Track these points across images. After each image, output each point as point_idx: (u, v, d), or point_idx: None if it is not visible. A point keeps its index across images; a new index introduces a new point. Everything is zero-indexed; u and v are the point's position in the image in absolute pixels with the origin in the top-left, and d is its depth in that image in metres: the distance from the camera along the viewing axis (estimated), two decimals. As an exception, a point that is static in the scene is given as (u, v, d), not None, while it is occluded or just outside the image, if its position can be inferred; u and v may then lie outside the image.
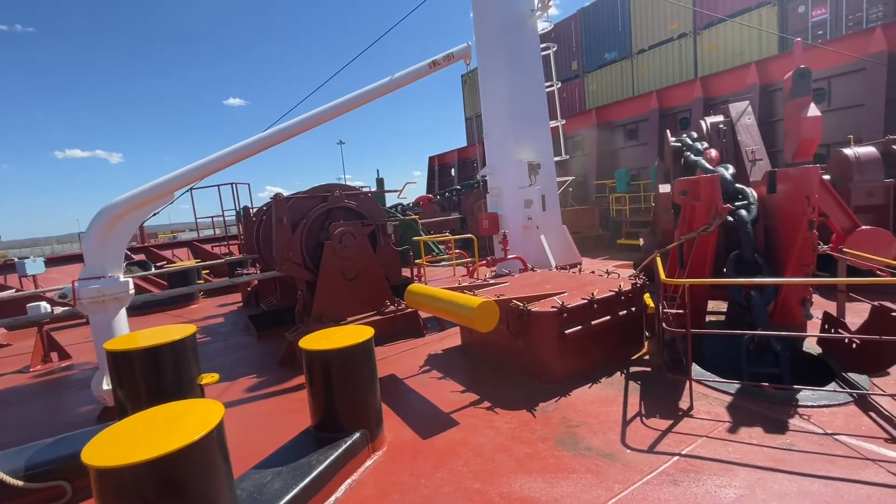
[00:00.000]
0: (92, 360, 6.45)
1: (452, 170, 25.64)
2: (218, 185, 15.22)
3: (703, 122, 7.53)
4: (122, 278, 4.40)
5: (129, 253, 12.84)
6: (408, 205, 18.43)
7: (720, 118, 7.44)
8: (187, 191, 13.79)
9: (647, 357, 4.80)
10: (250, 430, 4.01)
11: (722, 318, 5.33)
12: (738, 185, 4.96)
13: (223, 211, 15.08)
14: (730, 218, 4.61)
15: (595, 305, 4.43)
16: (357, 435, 3.19)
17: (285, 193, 6.16)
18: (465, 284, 5.45)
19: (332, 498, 2.87)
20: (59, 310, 4.99)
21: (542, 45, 9.93)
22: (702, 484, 2.71)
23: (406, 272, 7.69)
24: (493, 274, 7.63)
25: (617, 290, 4.62)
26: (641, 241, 9.22)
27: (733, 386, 3.82)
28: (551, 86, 10.48)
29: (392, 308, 6.28)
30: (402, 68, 6.65)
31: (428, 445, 3.44)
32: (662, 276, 4.08)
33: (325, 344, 3.21)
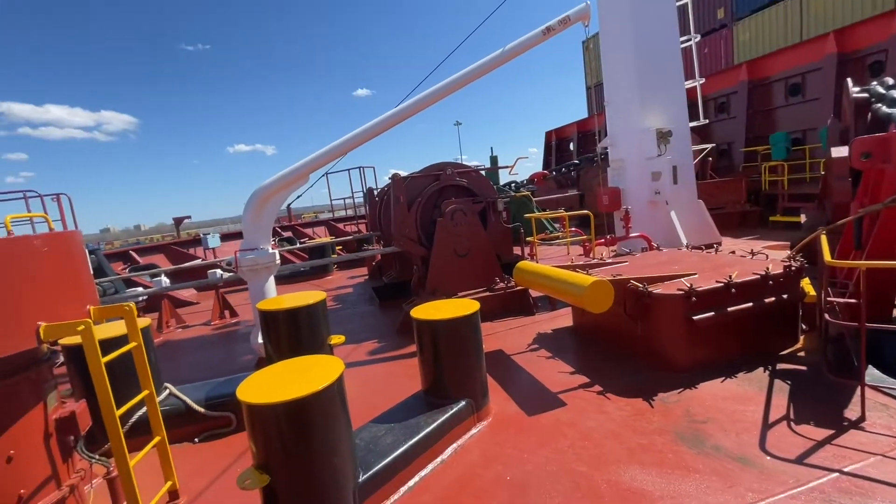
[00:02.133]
0: (252, 318, 7.76)
1: (571, 144, 24.26)
2: (348, 170, 16.77)
3: None
4: (270, 250, 5.16)
5: (279, 230, 14.97)
6: (522, 182, 18.06)
7: None
8: (323, 176, 15.44)
9: (801, 354, 4.04)
10: (369, 389, 4.43)
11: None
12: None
13: (353, 192, 16.60)
14: (937, 184, 3.57)
15: (733, 290, 3.84)
16: (463, 403, 3.31)
17: (404, 174, 6.51)
18: (580, 263, 5.18)
19: (438, 459, 3.04)
20: (227, 275, 6.07)
21: (679, -6, 8.69)
22: (870, 510, 2.22)
23: (517, 250, 7.61)
24: (613, 253, 7.11)
25: (763, 273, 3.94)
26: (804, 218, 7.67)
27: (929, 398, 3.01)
28: (688, 40, 9.16)
29: (502, 285, 6.29)
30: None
31: (533, 422, 3.41)
32: (827, 256, 3.35)
33: (434, 315, 3.36)
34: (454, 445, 3.18)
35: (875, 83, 5.61)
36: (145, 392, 2.76)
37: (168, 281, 8.04)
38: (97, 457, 2.77)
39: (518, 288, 6.20)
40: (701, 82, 9.56)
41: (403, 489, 2.78)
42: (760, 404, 3.27)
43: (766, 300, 3.92)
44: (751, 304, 3.86)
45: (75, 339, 2.64)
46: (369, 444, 2.86)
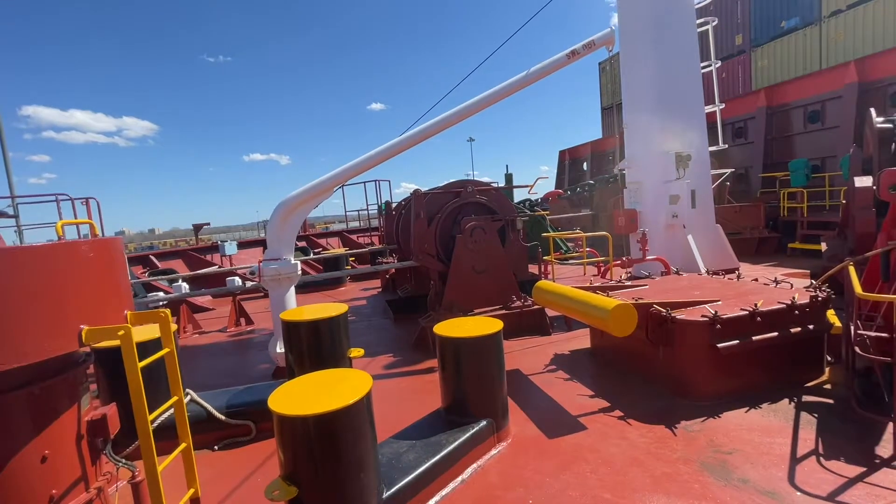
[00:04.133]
0: (268, 326, 7.81)
1: (584, 164, 24.35)
2: (364, 182, 16.97)
3: None
4: (293, 261, 5.23)
5: (294, 240, 15.14)
6: (536, 200, 18.10)
7: None
8: (339, 188, 15.68)
9: (827, 386, 3.97)
10: (386, 403, 4.43)
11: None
12: None
13: (367, 205, 16.76)
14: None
15: (758, 318, 3.81)
16: (484, 423, 3.30)
17: (422, 190, 6.59)
18: (598, 284, 5.17)
19: (459, 478, 3.02)
20: (248, 284, 6.15)
21: (700, 21, 8.79)
22: (908, 553, 2.16)
23: (533, 269, 7.61)
24: (629, 276, 7.08)
25: (790, 302, 3.90)
26: (824, 247, 7.57)
27: (964, 438, 2.93)
28: (708, 66, 9.23)
29: (518, 303, 6.28)
30: (540, 61, 6.52)
31: (553, 445, 3.38)
32: (858, 288, 3.31)
33: (458, 332, 3.37)
34: (474, 465, 3.16)
35: (900, 114, 5.60)
36: (175, 398, 2.80)
37: (187, 287, 8.16)
38: (124, 461, 2.81)
39: (535, 307, 6.18)
40: (721, 107, 9.60)
41: (425, 508, 2.76)
42: (787, 437, 3.21)
43: (792, 330, 3.88)
44: (776, 333, 3.82)
45: (105, 342, 2.71)
46: (392, 460, 2.86)
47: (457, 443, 3.05)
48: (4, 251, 2.21)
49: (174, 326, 3.81)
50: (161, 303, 7.92)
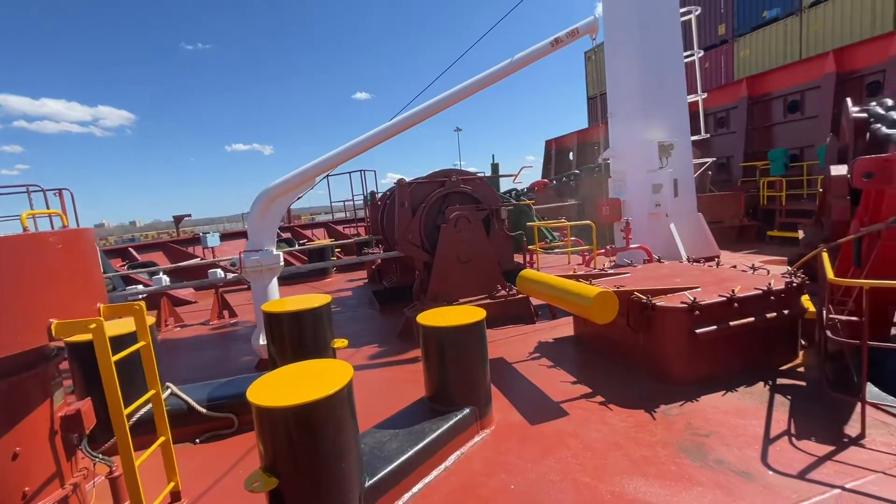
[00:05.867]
0: (252, 319, 7.73)
1: (570, 153, 24.43)
2: (349, 173, 16.76)
3: None
4: (274, 252, 5.16)
5: (278, 231, 14.95)
6: (522, 190, 18.14)
7: None
8: (323, 178, 15.46)
9: (800, 369, 4.08)
10: (371, 393, 4.43)
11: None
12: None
13: (353, 195, 16.61)
14: (937, 206, 3.64)
15: (735, 304, 3.89)
16: (467, 411, 3.32)
17: (407, 179, 6.54)
18: (582, 273, 5.21)
19: (442, 466, 3.04)
20: (229, 276, 6.06)
21: (683, 10, 8.82)
22: (872, 526, 2.25)
23: (518, 258, 7.64)
24: (613, 264, 7.16)
25: (765, 288, 3.99)
26: (801, 234, 7.76)
27: (928, 417, 3.05)
28: (691, 55, 9.28)
29: (503, 292, 6.31)
30: (524, 49, 6.47)
31: (536, 431, 3.42)
32: (830, 274, 3.40)
33: (441, 321, 3.37)
34: (458, 453, 3.18)
35: (874, 103, 5.72)
36: (152, 391, 2.76)
37: (167, 279, 8.00)
38: (101, 456, 2.76)
39: (519, 296, 6.22)
40: (703, 97, 9.68)
41: (408, 495, 2.78)
42: (761, 419, 3.30)
43: (768, 315, 3.97)
44: (753, 318, 3.91)
45: (80, 336, 2.64)
46: (374, 450, 2.86)
47: (440, 431, 3.07)
48: (-36, 243, 2.13)
49: (151, 319, 3.72)
50: (140, 296, 7.76)
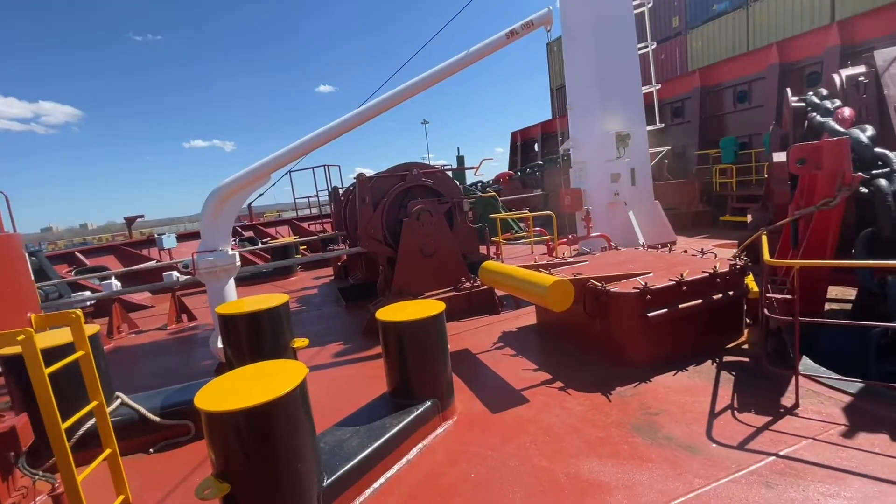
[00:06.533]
0: (212, 322, 7.48)
1: (536, 145, 24.76)
2: (313, 168, 16.42)
3: (836, 76, 6.34)
4: (230, 251, 5.00)
5: (240, 230, 14.48)
6: (488, 182, 18.28)
7: (861, 69, 6.19)
8: (286, 174, 15.04)
9: (745, 346, 4.32)
10: (334, 392, 4.39)
11: (848, 307, 4.60)
12: (878, 149, 4.16)
13: (317, 191, 16.27)
14: (863, 189, 3.90)
15: (684, 287, 4.06)
16: (428, 403, 3.34)
17: (369, 174, 6.46)
18: (542, 263, 5.32)
19: (404, 459, 3.06)
20: (184, 278, 5.83)
21: (636, 3, 9.04)
22: (802, 489, 2.42)
23: (483, 249, 7.71)
24: (575, 253, 7.34)
25: (711, 271, 4.18)
26: (750, 218, 8.16)
27: (854, 385, 3.29)
28: (645, 47, 9.56)
29: (468, 284, 6.36)
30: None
31: (497, 420, 3.49)
32: (766, 256, 3.60)
33: (399, 316, 3.37)
34: (420, 445, 3.20)
35: (811, 93, 6.06)
36: (94, 403, 2.63)
37: (119, 284, 7.62)
38: (41, 473, 2.62)
39: (484, 287, 6.29)
40: (657, 88, 10.00)
41: (369, 491, 2.78)
42: (708, 395, 3.48)
43: (714, 297, 4.17)
44: (700, 300, 4.10)
45: (13, 349, 2.49)
46: (334, 448, 2.84)
47: (400, 425, 3.07)
48: None
49: (96, 328, 3.55)
50: (88, 303, 7.37)
